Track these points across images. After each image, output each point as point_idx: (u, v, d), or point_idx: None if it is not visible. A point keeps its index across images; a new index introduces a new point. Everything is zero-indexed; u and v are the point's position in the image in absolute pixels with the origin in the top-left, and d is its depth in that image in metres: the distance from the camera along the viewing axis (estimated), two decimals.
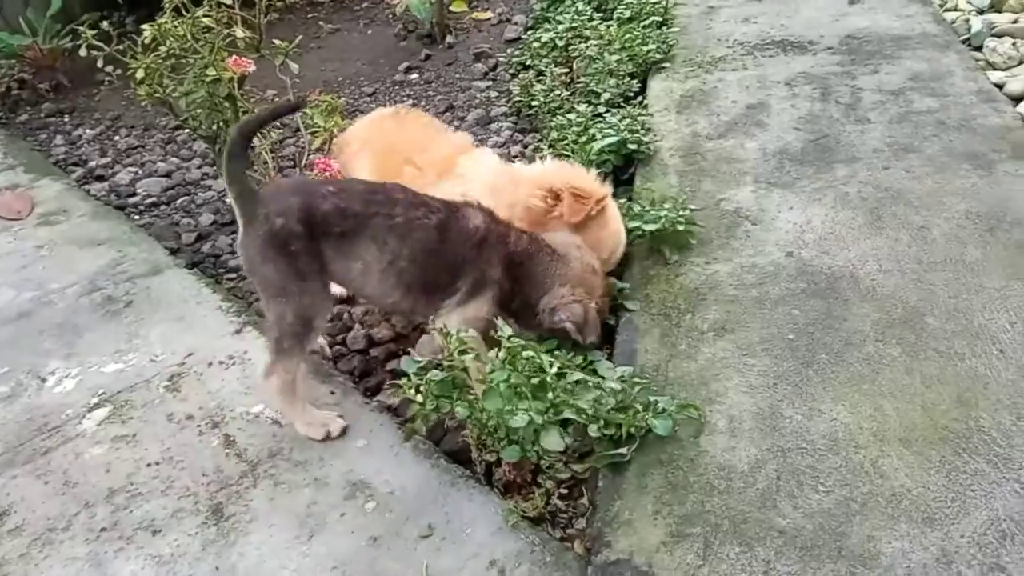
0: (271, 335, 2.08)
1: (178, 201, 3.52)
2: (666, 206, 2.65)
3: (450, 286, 2.12)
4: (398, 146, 2.69)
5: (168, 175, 3.73)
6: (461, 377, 1.90)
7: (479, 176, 2.52)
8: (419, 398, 1.86)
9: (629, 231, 2.57)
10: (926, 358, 2.09)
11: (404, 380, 1.92)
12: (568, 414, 1.82)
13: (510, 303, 2.19)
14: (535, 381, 1.80)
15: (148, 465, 2.12)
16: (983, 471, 1.78)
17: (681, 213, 2.63)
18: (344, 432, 2.16)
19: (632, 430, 1.94)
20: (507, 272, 2.16)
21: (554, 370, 1.83)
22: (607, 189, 2.48)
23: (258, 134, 3.03)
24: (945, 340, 2.14)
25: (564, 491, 1.95)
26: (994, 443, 1.84)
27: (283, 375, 2.09)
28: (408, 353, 2.20)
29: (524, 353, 1.82)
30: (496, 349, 1.89)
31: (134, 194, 3.61)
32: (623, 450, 1.91)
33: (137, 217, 3.42)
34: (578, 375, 1.88)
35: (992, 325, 2.17)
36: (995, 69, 3.59)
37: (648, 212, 2.63)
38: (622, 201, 2.70)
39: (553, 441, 1.78)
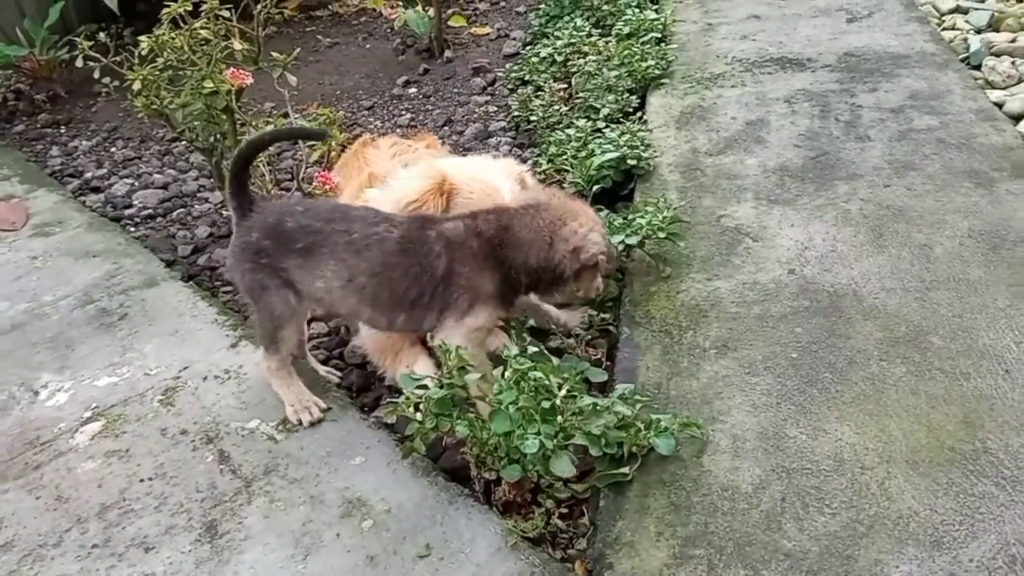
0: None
1: (174, 213, 3.49)
2: (648, 210, 2.64)
3: (432, 299, 2.07)
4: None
5: (165, 187, 3.70)
6: (460, 394, 1.87)
7: None
8: (418, 416, 1.83)
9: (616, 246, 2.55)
10: (931, 378, 2.07)
11: (402, 397, 1.89)
12: (579, 439, 1.79)
13: (518, 286, 2.12)
14: (545, 405, 1.77)
15: (141, 481, 2.09)
16: (991, 494, 1.75)
17: (664, 215, 2.60)
18: (315, 424, 2.21)
19: (634, 449, 1.91)
20: (495, 262, 2.07)
21: (563, 392, 1.80)
22: (434, 178, 2.33)
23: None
24: (950, 360, 2.12)
25: (564, 511, 1.92)
26: (1001, 465, 1.81)
27: (274, 362, 2.21)
28: None
29: (531, 374, 1.79)
30: (502, 368, 1.87)
31: (130, 206, 3.57)
32: (625, 469, 1.88)
33: (133, 229, 3.39)
34: (588, 399, 1.85)
35: (997, 345, 2.15)
36: (994, 88, 3.60)
37: (631, 223, 2.61)
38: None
39: (564, 467, 1.75)
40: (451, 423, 1.82)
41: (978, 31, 4.15)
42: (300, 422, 2.20)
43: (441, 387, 1.87)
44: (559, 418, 1.80)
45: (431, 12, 4.79)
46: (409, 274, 2.06)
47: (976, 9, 4.35)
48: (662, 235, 2.55)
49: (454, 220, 2.13)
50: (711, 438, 1.98)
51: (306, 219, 2.11)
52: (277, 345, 2.18)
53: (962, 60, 3.88)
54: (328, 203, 2.26)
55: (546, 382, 1.83)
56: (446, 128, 3.99)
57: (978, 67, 3.80)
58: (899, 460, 1.86)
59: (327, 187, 2.71)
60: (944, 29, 4.29)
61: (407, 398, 1.88)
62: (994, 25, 4.14)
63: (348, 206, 2.21)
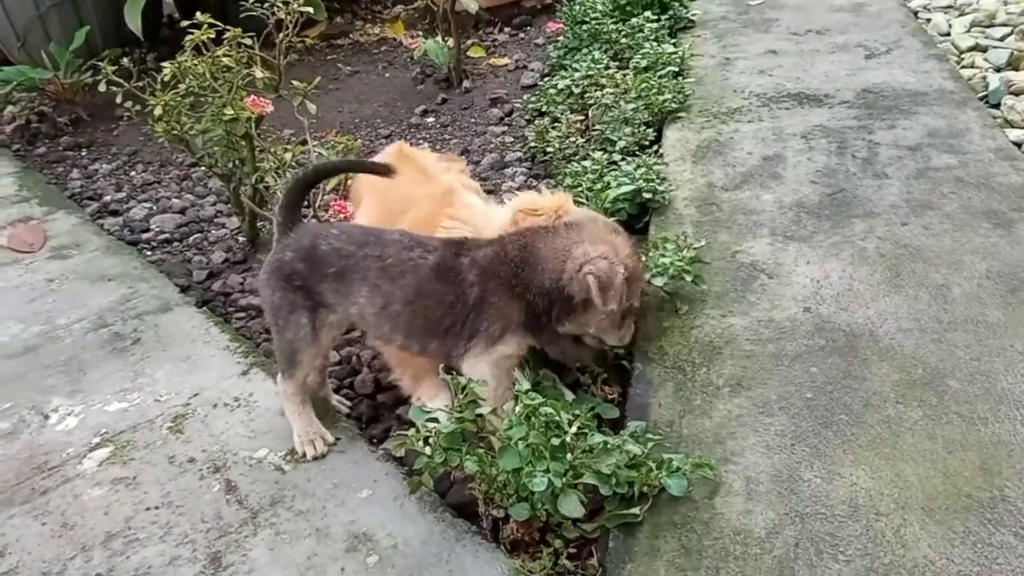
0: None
1: (191, 238, 3.51)
2: (668, 248, 2.63)
3: (463, 327, 2.07)
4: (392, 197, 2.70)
5: (182, 212, 3.73)
6: (471, 429, 1.86)
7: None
8: (427, 450, 1.82)
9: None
10: (948, 422, 2.03)
11: (411, 431, 1.88)
12: (588, 478, 1.77)
13: (540, 311, 2.09)
14: (555, 442, 1.75)
15: (147, 509, 2.08)
16: (1009, 544, 1.71)
17: (687, 255, 2.59)
18: (318, 459, 2.18)
19: (645, 489, 1.88)
20: (523, 288, 2.06)
21: (573, 429, 1.78)
22: (562, 199, 2.41)
23: (274, 174, 3.03)
24: (967, 404, 2.08)
25: (573, 551, 1.89)
26: (1020, 514, 1.77)
27: (290, 386, 2.20)
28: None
29: (542, 410, 1.78)
30: (513, 402, 1.85)
31: (148, 230, 3.60)
32: (635, 510, 1.85)
33: (149, 253, 3.41)
34: (598, 437, 1.83)
35: (1015, 389, 2.11)
36: (1014, 127, 3.58)
37: (653, 260, 2.58)
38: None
39: (572, 507, 1.72)
40: (460, 458, 1.80)
41: (997, 69, 4.13)
42: (305, 454, 2.19)
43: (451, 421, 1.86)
44: (569, 456, 1.77)
45: (450, 42, 4.84)
46: (444, 302, 2.06)
47: (995, 47, 4.34)
48: (688, 277, 2.53)
49: (486, 246, 2.14)
50: (724, 479, 1.95)
51: (339, 242, 2.12)
52: (294, 369, 2.18)
53: (981, 98, 3.86)
54: (361, 226, 2.28)
55: (556, 418, 1.80)
56: (463, 158, 4.00)
57: (997, 106, 3.78)
58: (915, 507, 1.82)
59: (342, 216, 2.72)
60: (963, 67, 4.27)
61: (416, 431, 1.87)
62: (1014, 64, 4.13)
63: (382, 230, 2.22)
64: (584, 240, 2.08)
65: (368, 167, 2.48)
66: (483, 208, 2.55)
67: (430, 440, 1.85)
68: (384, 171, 2.28)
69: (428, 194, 2.65)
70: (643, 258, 2.32)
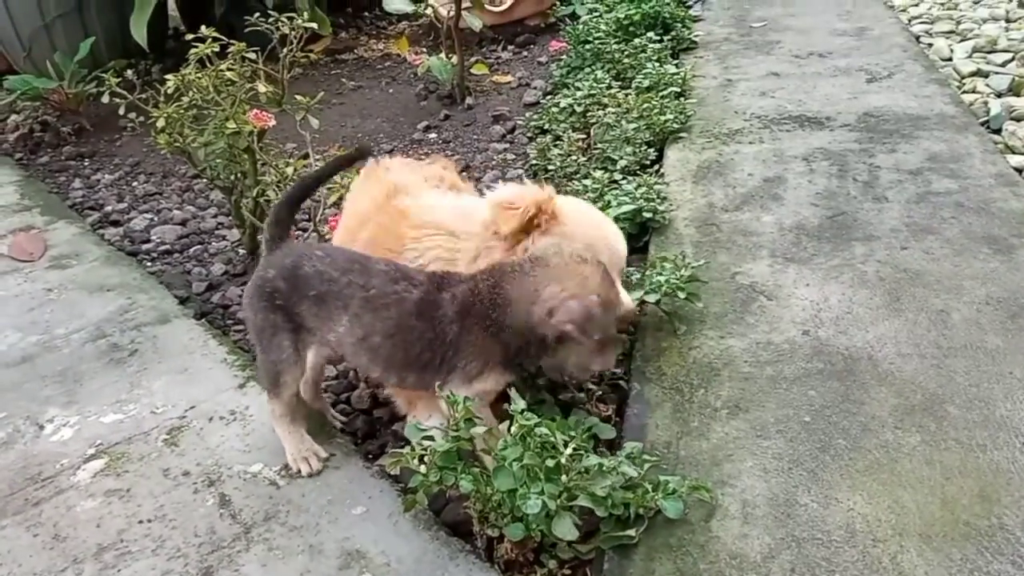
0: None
1: (191, 250, 3.52)
2: (666, 266, 2.63)
3: (442, 362, 2.02)
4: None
5: (183, 223, 3.74)
6: (466, 447, 1.85)
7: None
8: (422, 468, 1.81)
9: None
10: (946, 448, 2.02)
11: (407, 448, 1.87)
12: (583, 500, 1.76)
13: (515, 349, 2.01)
14: (549, 463, 1.74)
15: (140, 522, 2.06)
16: (1007, 572, 1.70)
17: (683, 274, 2.59)
18: (314, 475, 2.17)
19: (640, 511, 1.87)
20: (494, 327, 1.99)
21: (569, 451, 1.77)
22: (545, 193, 2.25)
23: (275, 187, 3.04)
24: (966, 430, 2.08)
25: (567, 572, 1.87)
26: (1018, 543, 1.76)
27: (277, 406, 2.19)
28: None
29: (537, 430, 1.77)
30: (508, 422, 1.84)
31: (148, 240, 3.60)
32: (631, 532, 1.83)
33: (149, 264, 3.41)
34: (594, 458, 1.82)
35: (1014, 416, 2.10)
36: (1014, 153, 3.59)
37: (649, 278, 2.59)
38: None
39: (566, 529, 1.71)
40: (455, 477, 1.79)
41: (998, 95, 4.16)
42: (299, 471, 2.18)
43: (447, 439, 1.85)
44: (564, 477, 1.76)
45: (454, 59, 4.87)
46: (424, 338, 2.01)
47: (997, 73, 4.37)
48: (682, 295, 2.53)
49: (465, 282, 2.08)
50: (720, 502, 1.94)
51: (323, 265, 2.08)
52: (279, 390, 2.15)
53: (982, 123, 3.87)
54: (347, 251, 2.24)
55: (551, 439, 1.80)
56: (463, 174, 4.01)
57: (998, 131, 3.80)
58: (912, 533, 1.81)
59: None
60: (964, 92, 4.30)
61: (411, 449, 1.86)
62: (1015, 90, 4.15)
63: (368, 257, 2.16)
64: (551, 280, 1.97)
65: (347, 159, 2.39)
66: (445, 204, 2.37)
67: (425, 459, 1.83)
68: (361, 155, 2.26)
69: (372, 200, 2.49)
70: (617, 282, 2.17)
